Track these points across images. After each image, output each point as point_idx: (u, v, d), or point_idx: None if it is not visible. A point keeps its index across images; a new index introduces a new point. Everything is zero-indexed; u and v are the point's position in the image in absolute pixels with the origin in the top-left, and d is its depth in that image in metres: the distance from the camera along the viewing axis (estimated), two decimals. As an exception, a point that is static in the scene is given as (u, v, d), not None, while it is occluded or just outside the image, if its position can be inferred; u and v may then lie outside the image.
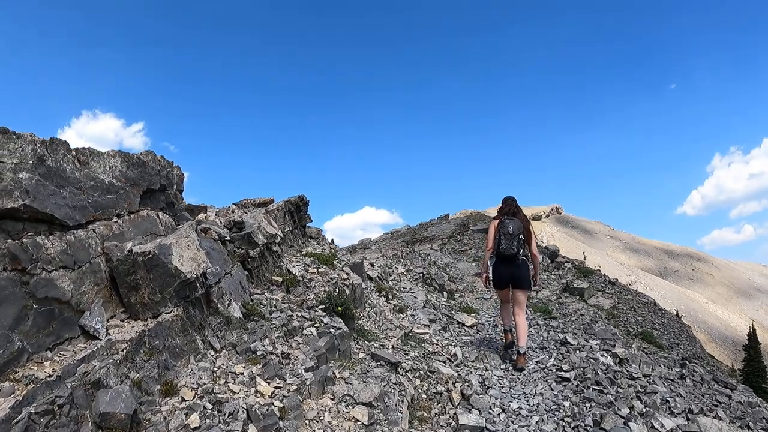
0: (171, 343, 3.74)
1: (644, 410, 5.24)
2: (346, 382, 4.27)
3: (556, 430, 4.57)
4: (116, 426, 2.90)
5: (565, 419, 4.78)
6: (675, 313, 23.84)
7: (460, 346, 6.58)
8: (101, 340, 3.39)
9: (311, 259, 7.32)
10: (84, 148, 4.04)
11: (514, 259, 5.91)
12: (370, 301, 7.25)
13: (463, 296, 10.64)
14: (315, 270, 6.79)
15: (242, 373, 3.88)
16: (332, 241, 10.69)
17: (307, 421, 3.60)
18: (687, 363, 7.76)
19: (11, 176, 3.20)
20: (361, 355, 5.11)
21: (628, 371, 6.26)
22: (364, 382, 4.34)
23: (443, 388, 5.08)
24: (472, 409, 4.85)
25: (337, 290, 6.14)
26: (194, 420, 3.17)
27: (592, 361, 6.31)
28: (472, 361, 6.12)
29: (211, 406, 3.34)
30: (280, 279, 6.01)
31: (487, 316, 8.86)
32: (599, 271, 17.84)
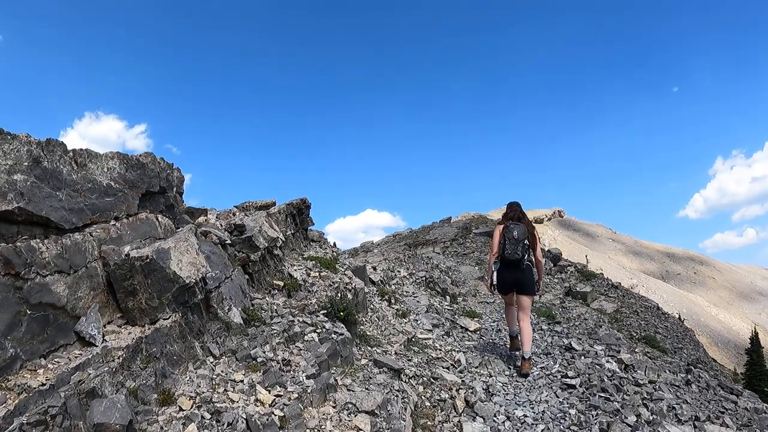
0: (169, 350, 3.65)
1: (651, 418, 5.14)
2: (349, 390, 4.17)
3: (562, 439, 4.48)
4: (111, 437, 2.81)
5: (571, 428, 4.68)
6: (677, 316, 23.72)
7: (463, 352, 6.48)
8: (97, 346, 3.30)
9: (313, 262, 7.23)
10: (81, 149, 3.96)
11: (519, 264, 5.88)
12: (372, 306, 7.15)
13: (466, 300, 10.54)
14: (317, 274, 6.70)
15: (242, 381, 3.79)
16: (334, 244, 10.60)
17: (308, 431, 3.51)
18: (692, 368, 7.66)
19: (5, 178, 3.12)
20: (363, 362, 5.02)
21: (633, 377, 6.17)
22: (367, 389, 4.24)
23: (447, 395, 4.99)
24: (477, 417, 4.76)
25: (339, 295, 6.05)
26: (192, 430, 3.08)
27: (598, 367, 6.21)
28: (476, 367, 6.03)
29: (209, 416, 3.25)
30: (281, 283, 5.92)
31: (490, 320, 8.76)
32: (602, 274, 17.75)
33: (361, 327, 6.02)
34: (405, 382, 4.86)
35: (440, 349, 6.43)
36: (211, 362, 3.99)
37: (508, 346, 6.82)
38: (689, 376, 6.99)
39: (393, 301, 8.05)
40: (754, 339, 34.39)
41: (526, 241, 5.87)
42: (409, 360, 5.59)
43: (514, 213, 6.14)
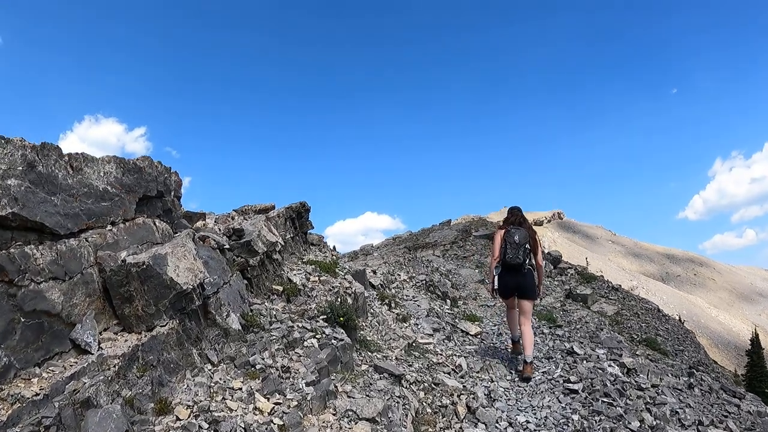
0: (166, 357, 3.59)
1: (654, 423, 5.09)
2: (349, 396, 4.11)
3: (565, 445, 4.42)
4: (106, 448, 2.74)
5: (574, 434, 4.63)
6: (678, 318, 23.67)
7: (464, 356, 6.42)
8: (93, 354, 3.24)
9: (312, 266, 7.17)
10: (77, 153, 3.90)
11: (520, 268, 5.87)
12: (372, 310, 7.09)
13: (467, 304, 10.48)
14: (316, 278, 6.63)
15: (240, 389, 3.72)
16: (334, 247, 10.53)
17: (307, 439, 3.45)
18: (694, 371, 7.60)
19: (-1, 183, 3.07)
20: (363, 367, 4.95)
21: (636, 381, 6.12)
22: (367, 395, 4.18)
23: (448, 401, 4.93)
24: (478, 423, 4.70)
25: (339, 299, 5.99)
26: (189, 440, 3.02)
27: (600, 371, 6.16)
28: (477, 372, 5.97)
29: (207, 426, 3.18)
30: (280, 288, 5.86)
31: (491, 324, 8.70)
32: (602, 276, 17.70)
33: (362, 332, 5.96)
34: (406, 387, 4.80)
35: (441, 354, 6.37)
36: (209, 370, 3.92)
37: (509, 350, 6.77)
38: (691, 380, 6.93)
39: (393, 305, 7.99)
40: (755, 340, 34.33)
41: (527, 246, 5.87)
42: (410, 365, 5.53)
43: (516, 218, 6.16)
